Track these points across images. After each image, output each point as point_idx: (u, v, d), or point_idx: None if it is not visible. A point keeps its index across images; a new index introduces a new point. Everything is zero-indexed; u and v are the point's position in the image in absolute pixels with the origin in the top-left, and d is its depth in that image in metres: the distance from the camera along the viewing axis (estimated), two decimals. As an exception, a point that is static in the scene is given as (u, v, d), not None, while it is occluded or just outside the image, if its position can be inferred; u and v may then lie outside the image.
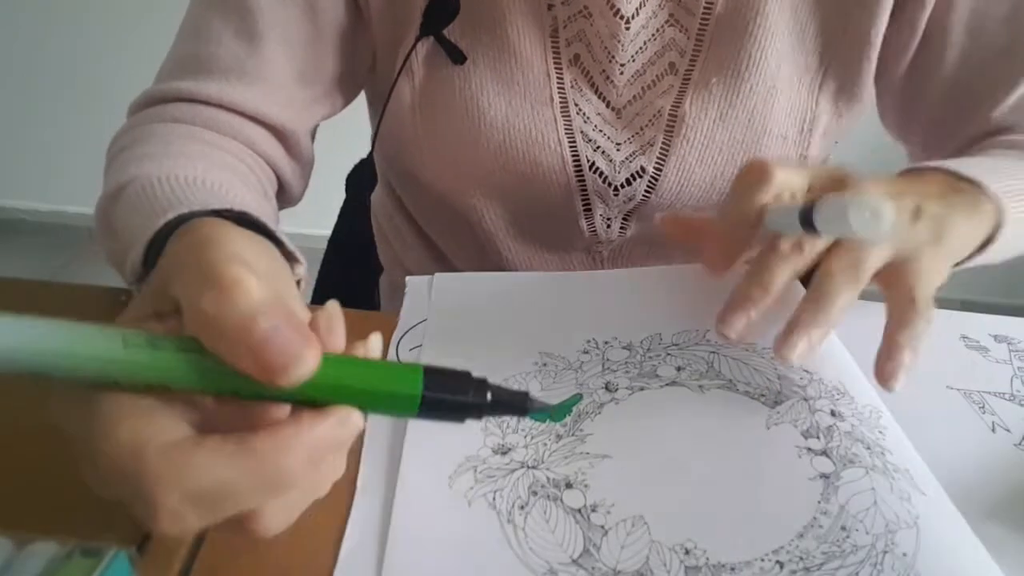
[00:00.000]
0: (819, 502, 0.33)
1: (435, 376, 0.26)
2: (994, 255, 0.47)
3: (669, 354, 0.42)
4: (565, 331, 0.45)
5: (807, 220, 0.35)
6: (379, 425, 0.38)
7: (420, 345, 0.44)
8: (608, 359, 0.42)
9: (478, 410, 0.27)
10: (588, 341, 0.44)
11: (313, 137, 0.61)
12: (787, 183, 0.40)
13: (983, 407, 0.42)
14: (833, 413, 0.38)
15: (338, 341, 0.27)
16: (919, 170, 0.47)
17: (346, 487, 0.35)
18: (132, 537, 0.33)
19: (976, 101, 0.58)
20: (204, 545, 0.33)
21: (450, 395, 0.27)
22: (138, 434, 0.24)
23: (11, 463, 0.36)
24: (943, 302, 0.45)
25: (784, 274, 0.39)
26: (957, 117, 0.59)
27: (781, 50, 0.54)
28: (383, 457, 0.36)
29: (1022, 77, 0.56)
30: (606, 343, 0.43)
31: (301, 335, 0.24)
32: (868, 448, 0.36)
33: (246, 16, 0.53)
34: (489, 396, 0.27)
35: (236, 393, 0.25)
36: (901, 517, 0.32)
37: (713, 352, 0.42)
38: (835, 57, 0.56)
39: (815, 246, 0.39)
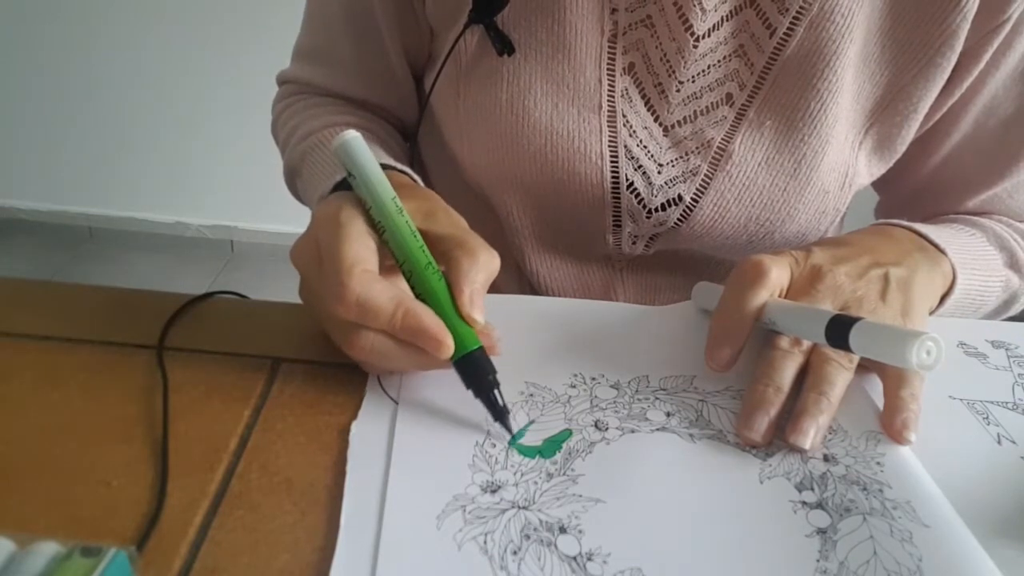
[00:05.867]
0: (818, 560, 0.32)
1: (480, 353, 0.38)
2: (948, 311, 0.51)
3: (658, 398, 0.42)
4: (551, 362, 0.44)
5: (836, 335, 0.38)
6: (363, 457, 0.37)
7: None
8: (596, 396, 0.42)
9: (485, 385, 0.38)
10: (575, 375, 0.43)
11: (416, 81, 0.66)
12: (779, 281, 0.43)
13: (987, 417, 0.42)
14: (826, 458, 0.38)
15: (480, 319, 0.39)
16: (890, 225, 0.52)
17: (329, 523, 0.34)
18: (132, 537, 0.33)
19: (953, 190, 0.62)
20: (204, 545, 0.32)
21: (481, 366, 0.38)
22: (357, 254, 0.37)
23: (12, 463, 0.36)
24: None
25: (792, 370, 0.40)
26: (933, 197, 0.64)
27: (840, 107, 0.54)
28: (367, 493, 0.35)
29: (999, 179, 0.60)
30: (593, 379, 0.43)
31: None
32: (865, 489, 0.36)
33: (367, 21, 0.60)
34: (496, 393, 0.38)
35: (408, 275, 0.40)
36: (903, 563, 0.32)
37: (701, 400, 0.42)
38: (880, 118, 0.56)
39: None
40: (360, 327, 0.38)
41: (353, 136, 0.41)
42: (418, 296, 0.39)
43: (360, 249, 0.38)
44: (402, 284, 0.40)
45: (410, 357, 0.38)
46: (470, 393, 0.39)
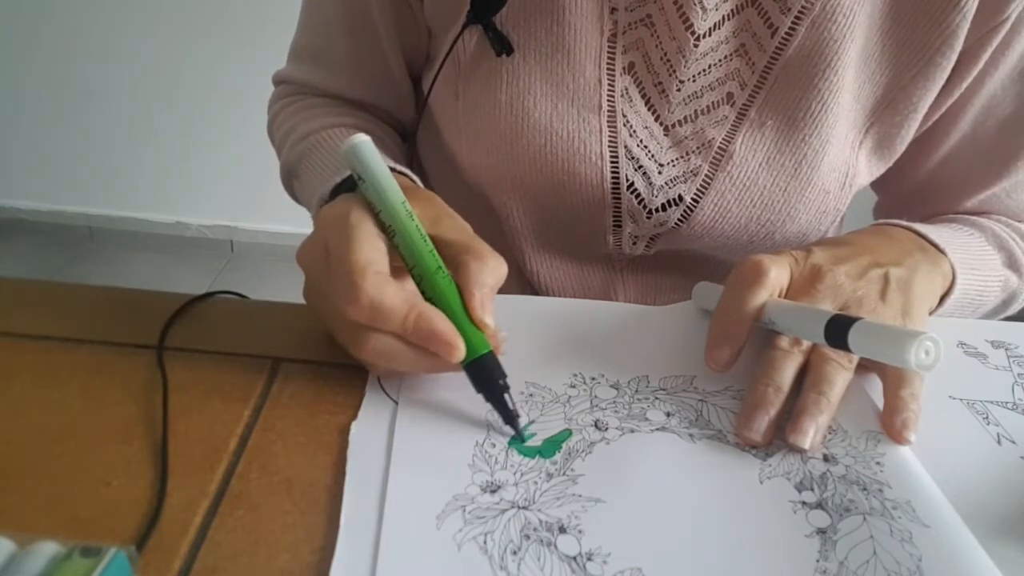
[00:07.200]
0: (818, 560, 0.32)
1: (491, 357, 0.38)
2: (947, 311, 0.51)
3: (657, 398, 0.42)
4: (551, 362, 0.44)
5: (835, 335, 0.38)
6: (363, 458, 0.37)
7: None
8: (596, 396, 0.42)
9: (496, 389, 0.38)
10: (575, 375, 0.43)
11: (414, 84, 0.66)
12: (779, 281, 0.43)
13: (987, 417, 0.42)
14: (826, 458, 0.38)
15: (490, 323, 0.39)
16: (890, 225, 0.52)
17: (329, 523, 0.34)
18: (132, 537, 0.33)
19: (952, 189, 0.62)
20: (204, 545, 0.32)
21: (492, 370, 0.38)
22: (369, 256, 0.37)
23: (12, 463, 0.36)
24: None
25: (792, 370, 0.40)
26: (932, 197, 0.64)
27: (841, 106, 0.54)
28: (367, 493, 0.35)
29: (997, 179, 0.60)
30: (593, 379, 0.43)
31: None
32: (865, 489, 0.36)
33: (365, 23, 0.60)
34: (507, 397, 0.38)
35: (418, 279, 0.40)
36: (903, 563, 0.32)
37: (701, 400, 0.42)
38: (880, 118, 0.56)
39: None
40: (370, 329, 0.38)
41: (363, 140, 0.41)
42: (428, 300, 0.39)
43: (371, 251, 0.38)
44: (411, 287, 0.40)
45: (419, 360, 0.38)
46: (470, 392, 0.39)
